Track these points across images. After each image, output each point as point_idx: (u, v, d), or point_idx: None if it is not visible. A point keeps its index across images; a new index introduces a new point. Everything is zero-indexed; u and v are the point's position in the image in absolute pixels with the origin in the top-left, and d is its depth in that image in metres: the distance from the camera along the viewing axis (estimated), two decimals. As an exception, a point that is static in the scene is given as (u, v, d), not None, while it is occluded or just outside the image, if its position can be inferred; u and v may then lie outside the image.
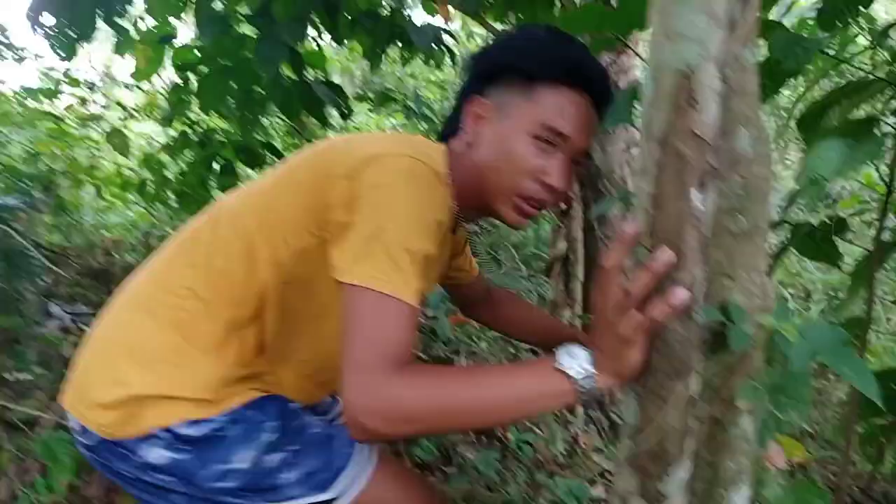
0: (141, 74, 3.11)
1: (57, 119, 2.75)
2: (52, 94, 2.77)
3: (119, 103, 3.36)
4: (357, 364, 0.81)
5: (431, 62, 2.75)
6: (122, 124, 3.10)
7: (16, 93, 2.82)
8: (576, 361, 0.85)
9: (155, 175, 3.36)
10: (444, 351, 3.06)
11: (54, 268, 3.07)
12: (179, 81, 3.11)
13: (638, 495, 0.87)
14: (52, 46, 2.70)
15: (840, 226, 1.60)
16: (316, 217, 0.96)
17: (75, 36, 2.72)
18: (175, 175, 3.61)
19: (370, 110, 3.80)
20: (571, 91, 1.06)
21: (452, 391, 0.82)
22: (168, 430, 0.98)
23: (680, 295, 0.76)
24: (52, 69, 3.02)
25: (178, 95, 3.09)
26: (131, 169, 3.61)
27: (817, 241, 1.61)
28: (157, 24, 2.92)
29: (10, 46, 2.84)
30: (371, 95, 3.53)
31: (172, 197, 3.66)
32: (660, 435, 0.84)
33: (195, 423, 0.99)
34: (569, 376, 0.84)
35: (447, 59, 2.81)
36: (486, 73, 1.11)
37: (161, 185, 3.38)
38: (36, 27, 2.57)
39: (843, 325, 1.59)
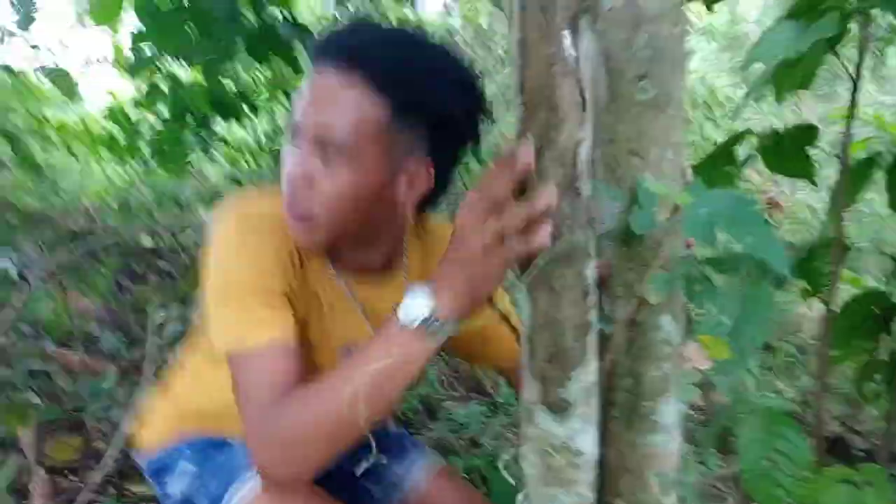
0: (99, 17, 2.98)
1: (11, 72, 2.66)
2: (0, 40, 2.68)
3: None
4: (247, 422, 0.85)
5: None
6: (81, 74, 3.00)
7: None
8: (413, 304, 0.80)
9: (124, 130, 3.26)
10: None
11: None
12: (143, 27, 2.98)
13: (541, 404, 0.78)
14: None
15: (809, 135, 1.47)
16: None
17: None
18: (149, 131, 3.51)
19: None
20: (311, 72, 0.91)
21: (326, 395, 0.81)
22: None
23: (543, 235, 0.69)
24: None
25: (139, 41, 2.96)
26: (97, 121, 3.53)
27: (786, 152, 1.48)
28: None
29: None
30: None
31: (148, 155, 3.57)
32: (555, 332, 0.74)
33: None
34: (415, 328, 0.80)
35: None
36: None
37: (132, 139, 3.28)
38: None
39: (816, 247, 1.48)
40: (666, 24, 0.78)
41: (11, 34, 2.72)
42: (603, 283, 0.88)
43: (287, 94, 3.85)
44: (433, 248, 1.12)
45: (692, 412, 2.76)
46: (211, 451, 1.12)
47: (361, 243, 1.01)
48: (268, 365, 0.86)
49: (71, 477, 1.77)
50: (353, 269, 1.05)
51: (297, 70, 3.14)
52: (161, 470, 1.15)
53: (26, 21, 2.60)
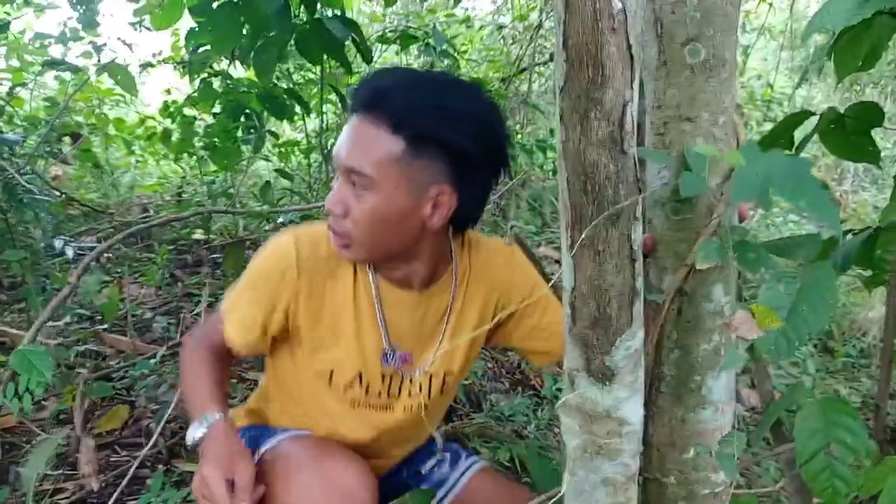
0: (159, 21, 3.07)
1: (76, 70, 2.75)
2: (66, 40, 2.78)
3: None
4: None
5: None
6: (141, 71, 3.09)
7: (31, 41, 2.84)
8: (191, 434, 1.09)
9: (179, 125, 3.35)
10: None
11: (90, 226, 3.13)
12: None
13: (584, 372, 0.76)
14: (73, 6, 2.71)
15: (874, 115, 1.40)
16: None
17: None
18: (203, 128, 3.59)
19: (397, 53, 3.67)
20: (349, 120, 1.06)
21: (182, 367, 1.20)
22: None
23: None
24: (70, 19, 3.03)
25: (193, 41, 3.03)
26: (153, 118, 3.62)
27: (848, 134, 1.42)
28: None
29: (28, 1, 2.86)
30: (390, 35, 3.40)
31: (202, 150, 3.65)
32: (599, 298, 0.72)
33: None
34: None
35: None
36: None
37: (187, 134, 3.36)
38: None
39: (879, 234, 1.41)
40: (719, -17, 0.75)
41: (75, 32, 2.81)
42: (650, 254, 0.86)
43: (337, 93, 3.88)
44: (480, 257, 1.24)
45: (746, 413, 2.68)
46: (255, 431, 1.26)
47: (403, 258, 1.12)
48: (217, 327, 1.18)
49: (121, 452, 1.82)
50: (397, 281, 1.16)
51: (348, 68, 3.17)
52: None
53: (88, 20, 2.69)
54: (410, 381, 1.20)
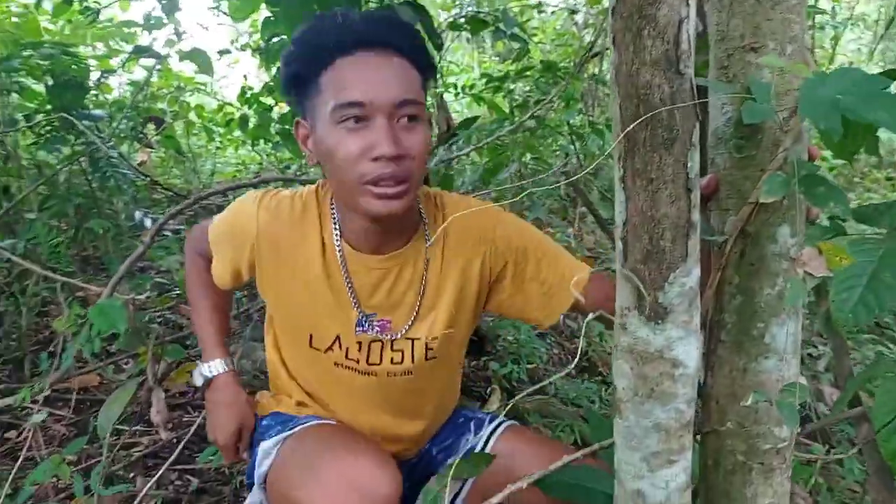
0: (238, 12, 3.17)
1: (159, 57, 2.89)
2: (152, 27, 2.91)
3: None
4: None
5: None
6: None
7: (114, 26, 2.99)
8: (200, 372, 1.28)
9: (256, 112, 3.45)
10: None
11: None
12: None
13: (635, 310, 0.73)
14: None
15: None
16: None
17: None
18: (279, 115, 3.69)
19: (468, 40, 3.67)
20: (344, 60, 0.99)
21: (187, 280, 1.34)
22: None
23: None
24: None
25: (269, 29, 3.12)
26: (231, 105, 3.75)
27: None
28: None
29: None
30: (461, 22, 3.40)
31: (277, 137, 3.75)
32: (652, 230, 0.69)
33: None
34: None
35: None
36: (294, 95, 1.08)
37: (264, 121, 3.46)
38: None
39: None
40: None
41: (159, 21, 2.94)
42: (713, 195, 0.82)
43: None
44: (455, 215, 1.11)
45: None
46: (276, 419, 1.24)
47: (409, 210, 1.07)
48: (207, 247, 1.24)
49: (192, 412, 1.90)
50: (365, 244, 1.11)
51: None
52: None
53: (171, 7, 2.80)
54: (392, 347, 1.15)
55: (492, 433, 1.24)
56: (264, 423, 1.23)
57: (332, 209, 1.12)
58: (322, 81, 1.00)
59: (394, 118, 0.98)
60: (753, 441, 0.80)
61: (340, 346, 1.14)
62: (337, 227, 1.11)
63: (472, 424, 1.29)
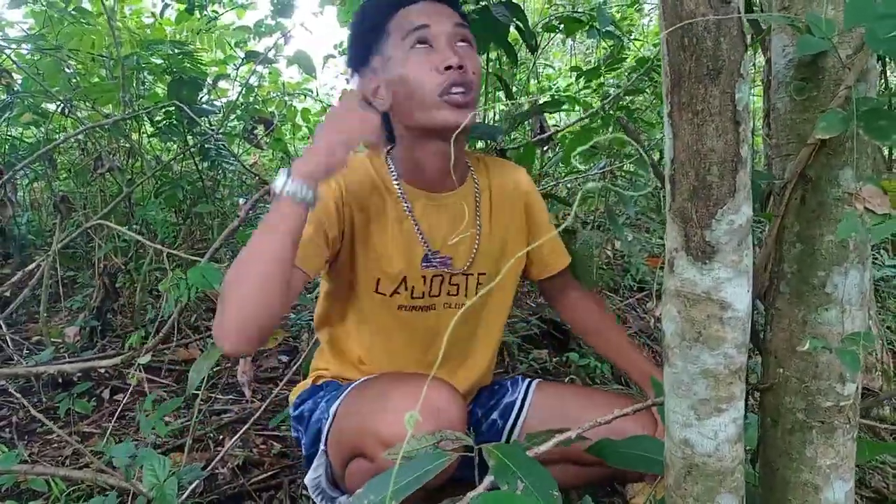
0: (345, 16, 3.32)
1: (271, 61, 3.08)
2: (262, 33, 3.12)
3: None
4: None
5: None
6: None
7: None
8: (277, 180, 1.03)
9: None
10: (634, 287, 2.88)
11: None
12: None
13: (682, 251, 0.72)
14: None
15: None
16: None
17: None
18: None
19: (563, 41, 3.65)
20: (407, 8, 1.17)
21: (238, 259, 1.02)
22: None
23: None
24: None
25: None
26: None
27: None
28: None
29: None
30: (554, 24, 3.39)
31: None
32: (699, 164, 0.68)
33: None
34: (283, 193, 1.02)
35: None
36: (363, 50, 1.23)
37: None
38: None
39: None
40: None
41: (269, 27, 3.13)
42: (771, 134, 0.80)
43: (501, 81, 3.95)
44: (495, 166, 1.39)
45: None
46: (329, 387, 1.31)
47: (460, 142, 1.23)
48: None
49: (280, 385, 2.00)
50: (424, 183, 1.25)
51: (513, 57, 3.21)
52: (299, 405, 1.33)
53: (283, 10, 2.97)
54: (450, 281, 1.26)
55: (527, 389, 1.37)
56: (322, 392, 1.28)
57: (387, 157, 1.25)
58: (390, 26, 1.17)
59: (453, 39, 1.15)
60: (813, 398, 0.76)
61: (406, 286, 1.23)
62: (394, 172, 1.24)
63: (508, 384, 1.41)
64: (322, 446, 1.19)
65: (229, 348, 0.99)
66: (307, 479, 1.23)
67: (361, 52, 1.22)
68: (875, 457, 1.41)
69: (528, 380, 1.40)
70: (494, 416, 1.36)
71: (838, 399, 0.76)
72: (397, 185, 1.23)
